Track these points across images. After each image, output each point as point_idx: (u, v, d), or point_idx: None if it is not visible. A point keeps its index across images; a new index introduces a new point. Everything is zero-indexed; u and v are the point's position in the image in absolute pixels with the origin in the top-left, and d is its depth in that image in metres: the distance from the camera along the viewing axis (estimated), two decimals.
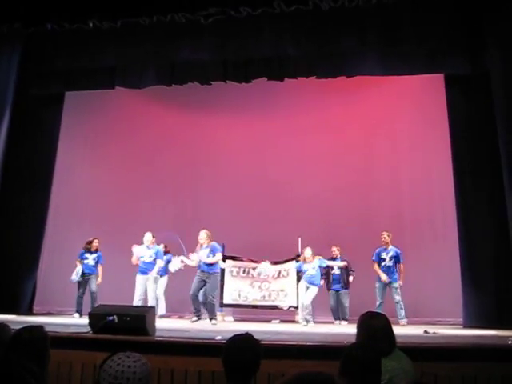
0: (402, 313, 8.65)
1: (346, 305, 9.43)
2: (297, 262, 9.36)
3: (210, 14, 8.86)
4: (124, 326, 5.26)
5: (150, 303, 8.85)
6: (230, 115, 11.52)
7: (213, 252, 8.72)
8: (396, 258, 8.95)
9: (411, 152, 10.48)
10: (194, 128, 11.47)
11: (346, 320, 9.19)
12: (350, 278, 9.54)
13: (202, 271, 8.67)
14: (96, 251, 9.73)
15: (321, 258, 9.05)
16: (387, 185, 10.56)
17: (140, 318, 5.35)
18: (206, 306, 8.61)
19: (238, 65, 9.32)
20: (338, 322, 9.31)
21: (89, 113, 11.26)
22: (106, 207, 11.07)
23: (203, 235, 8.78)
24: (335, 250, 9.61)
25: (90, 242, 9.72)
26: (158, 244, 9.53)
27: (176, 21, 8.97)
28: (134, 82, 9.75)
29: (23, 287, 9.59)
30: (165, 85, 9.63)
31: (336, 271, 9.50)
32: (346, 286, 9.53)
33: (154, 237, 9.32)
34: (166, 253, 9.68)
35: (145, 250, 9.17)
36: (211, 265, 8.70)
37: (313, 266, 8.89)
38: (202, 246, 8.76)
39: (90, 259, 9.63)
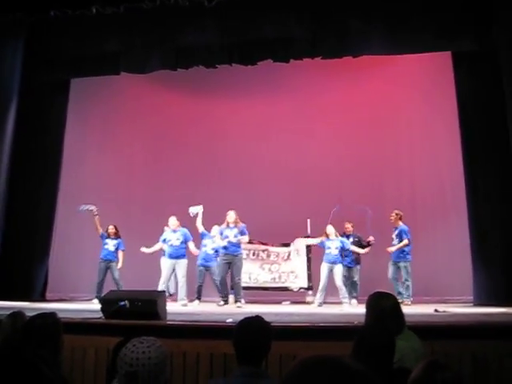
0: (408, 291, 8.66)
1: (357, 281, 9.32)
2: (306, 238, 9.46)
3: None
4: (136, 311, 5.30)
5: (181, 288, 8.80)
6: (237, 98, 11.51)
7: (242, 233, 8.59)
8: (400, 236, 8.93)
9: (421, 131, 10.42)
10: (202, 112, 11.45)
11: (355, 298, 9.13)
12: (371, 238, 9.28)
13: (227, 253, 8.52)
14: (116, 237, 9.72)
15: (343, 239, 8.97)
16: (398, 165, 10.53)
17: (151, 303, 5.39)
18: (235, 288, 8.60)
19: (242, 47, 9.25)
20: (348, 300, 9.20)
21: (95, 99, 11.25)
22: (115, 193, 11.11)
23: (233, 215, 8.64)
24: (349, 227, 9.47)
25: (106, 229, 9.74)
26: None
27: (179, 4, 8.94)
28: (138, 67, 9.70)
29: (35, 274, 9.68)
30: (170, 69, 9.59)
31: (350, 247, 9.36)
32: (358, 261, 9.45)
33: (178, 220, 9.15)
34: None
35: (171, 234, 9.10)
36: (237, 246, 8.58)
37: (336, 245, 8.69)
38: (228, 225, 8.66)
39: (110, 245, 9.60)
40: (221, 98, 11.46)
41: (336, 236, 8.83)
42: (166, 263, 9.00)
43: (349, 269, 9.28)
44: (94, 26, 9.35)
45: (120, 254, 9.64)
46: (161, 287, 8.59)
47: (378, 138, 10.66)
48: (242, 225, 8.65)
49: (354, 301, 9.02)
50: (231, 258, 8.51)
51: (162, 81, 10.95)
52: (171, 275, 9.02)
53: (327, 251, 8.76)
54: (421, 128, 10.42)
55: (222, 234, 8.69)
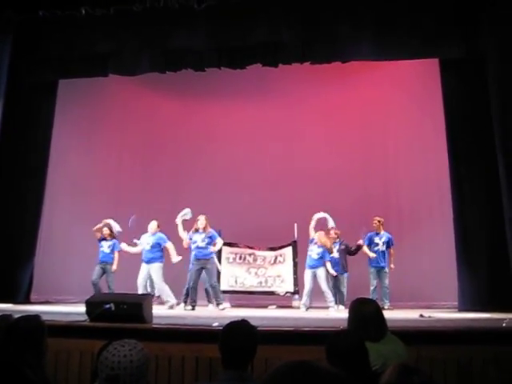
0: (387, 297, 8.84)
1: (344, 290, 9.35)
2: (294, 243, 9.49)
3: (203, 0, 8.80)
4: (121, 314, 5.28)
5: (159, 291, 8.78)
6: (226, 102, 11.51)
7: (212, 238, 8.69)
8: (388, 244, 9.05)
9: (409, 135, 10.49)
10: (190, 115, 11.46)
11: (342, 305, 9.15)
12: (360, 241, 9.34)
13: (199, 259, 8.58)
14: (111, 239, 9.67)
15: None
16: (384, 170, 10.59)
17: (137, 306, 5.37)
18: (211, 292, 8.61)
19: (231, 51, 9.24)
20: (335, 307, 9.22)
21: (84, 101, 11.21)
22: (104, 195, 11.06)
23: (204, 220, 8.71)
24: (333, 234, 9.50)
25: (104, 230, 9.65)
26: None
27: (169, 7, 8.91)
28: (127, 69, 9.65)
29: (20, 276, 9.57)
30: (159, 72, 9.56)
31: (335, 254, 9.27)
32: (345, 269, 9.46)
33: (158, 226, 9.15)
34: None
35: (146, 238, 9.09)
36: (207, 250, 8.63)
37: (317, 251, 8.75)
38: (197, 230, 8.71)
39: (105, 247, 9.55)
40: (210, 101, 11.46)
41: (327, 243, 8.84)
42: (141, 268, 9.01)
43: (335, 277, 9.25)
44: (83, 28, 9.29)
45: (115, 255, 9.56)
46: (140, 291, 8.63)
47: (367, 142, 10.73)
48: (210, 230, 8.74)
49: (342, 306, 9.05)
50: (202, 263, 8.58)
51: (151, 83, 10.92)
52: (146, 281, 9.02)
53: (309, 253, 8.84)
54: (409, 132, 10.49)
55: (190, 239, 8.76)
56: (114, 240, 9.61)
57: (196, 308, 8.48)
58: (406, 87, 10.57)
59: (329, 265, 8.88)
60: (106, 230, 9.60)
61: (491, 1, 8.18)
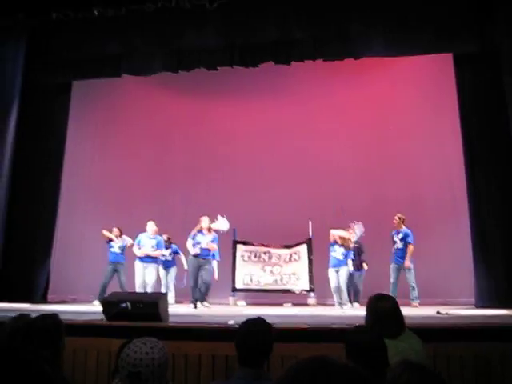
0: (414, 294, 8.68)
1: (360, 287, 9.42)
2: (309, 241, 9.51)
3: None
4: (137, 313, 5.30)
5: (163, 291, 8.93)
6: (239, 100, 11.52)
7: (214, 241, 8.93)
8: (405, 239, 8.96)
9: (423, 132, 10.39)
10: (204, 114, 11.47)
11: (358, 302, 9.17)
12: (364, 266, 9.50)
13: (199, 257, 8.80)
14: (121, 238, 9.73)
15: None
16: (399, 167, 10.49)
17: (153, 305, 5.39)
18: (202, 289, 8.72)
19: (244, 49, 9.26)
20: (349, 305, 9.23)
21: (97, 101, 11.28)
22: (118, 196, 11.11)
23: (207, 221, 8.99)
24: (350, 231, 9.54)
25: (110, 232, 9.75)
26: (161, 235, 9.64)
27: (181, 6, 8.94)
28: (140, 70, 9.73)
29: (37, 276, 9.66)
30: (171, 71, 9.61)
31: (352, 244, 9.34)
32: (359, 267, 9.50)
33: (156, 226, 9.43)
34: (170, 243, 9.79)
35: (146, 239, 9.21)
36: (209, 251, 8.89)
37: (342, 251, 8.95)
38: (201, 231, 8.92)
39: (116, 247, 9.62)
40: (223, 99, 11.48)
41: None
42: (138, 267, 9.20)
43: (351, 274, 9.30)
44: (96, 28, 9.37)
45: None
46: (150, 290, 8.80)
47: (381, 139, 10.64)
48: (213, 232, 8.97)
49: (357, 304, 9.08)
50: (202, 262, 8.80)
51: (165, 82, 10.97)
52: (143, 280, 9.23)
53: (333, 254, 8.97)
54: (423, 129, 10.40)
55: (193, 238, 8.89)
56: (124, 237, 9.67)
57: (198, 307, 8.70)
58: (419, 83, 10.49)
59: (350, 262, 9.08)
60: (116, 232, 9.67)
61: None
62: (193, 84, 10.95)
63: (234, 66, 9.35)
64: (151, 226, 9.36)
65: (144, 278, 9.17)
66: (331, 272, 8.94)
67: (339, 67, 9.76)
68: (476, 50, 8.54)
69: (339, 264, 8.91)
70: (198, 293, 8.77)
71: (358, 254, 9.49)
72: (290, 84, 10.95)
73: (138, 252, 9.28)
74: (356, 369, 1.06)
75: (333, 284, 8.88)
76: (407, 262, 8.83)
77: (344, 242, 8.96)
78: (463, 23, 8.45)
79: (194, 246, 8.91)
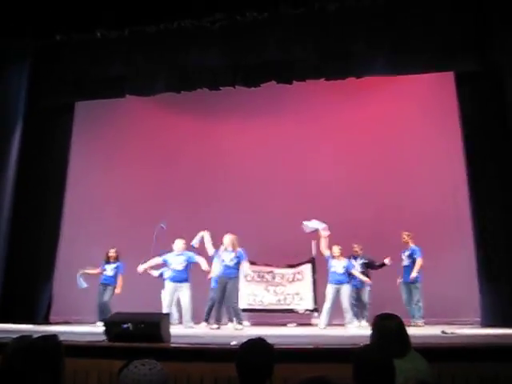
0: (419, 313, 8.61)
1: (366, 302, 9.30)
2: (313, 260, 9.44)
3: (216, 20, 8.91)
4: (139, 334, 5.27)
5: (185, 313, 8.71)
6: (241, 119, 11.55)
7: (240, 258, 8.66)
8: (411, 256, 8.91)
9: (425, 150, 10.39)
10: (206, 133, 11.51)
11: (365, 319, 9.04)
12: (386, 261, 9.26)
13: (224, 276, 8.57)
14: (116, 261, 9.69)
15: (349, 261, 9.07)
16: (402, 183, 10.47)
17: (155, 325, 5.35)
18: (232, 311, 8.55)
19: (246, 69, 9.30)
20: (356, 322, 9.11)
21: (100, 121, 11.34)
22: (119, 215, 11.10)
23: (228, 239, 8.78)
24: (356, 248, 9.49)
25: (107, 253, 9.73)
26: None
27: (183, 27, 9.02)
28: (143, 90, 9.79)
29: (39, 296, 9.63)
30: (174, 91, 9.67)
31: (358, 268, 9.25)
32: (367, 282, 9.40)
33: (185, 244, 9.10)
34: None
35: (174, 258, 9.04)
36: (234, 269, 8.62)
37: (342, 264, 8.82)
38: (225, 249, 8.75)
39: (109, 270, 9.59)
40: (225, 119, 11.53)
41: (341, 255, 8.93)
42: (168, 287, 8.88)
43: (358, 289, 9.27)
44: (99, 50, 9.46)
45: (119, 279, 9.59)
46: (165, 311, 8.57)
47: (382, 157, 10.63)
48: (239, 249, 8.72)
49: (364, 322, 8.98)
50: (227, 281, 8.54)
51: (167, 102, 11.04)
52: (173, 300, 8.99)
53: (332, 270, 8.83)
54: (424, 146, 10.40)
55: (219, 257, 8.81)
56: (119, 263, 9.64)
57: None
58: (421, 101, 10.51)
59: (356, 272, 8.98)
60: (112, 253, 9.65)
61: (507, 13, 8.12)
62: (196, 104, 11.00)
63: (235, 86, 9.40)
64: (179, 244, 8.98)
65: (175, 300, 8.94)
66: (330, 289, 8.72)
67: (341, 86, 9.77)
68: (477, 69, 8.56)
69: (340, 281, 8.73)
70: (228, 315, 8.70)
71: (365, 268, 9.39)
72: (292, 103, 10.98)
73: (166, 273, 9.05)
74: None
75: (328, 304, 8.64)
76: (414, 273, 8.76)
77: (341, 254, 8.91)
78: (464, 42, 8.46)
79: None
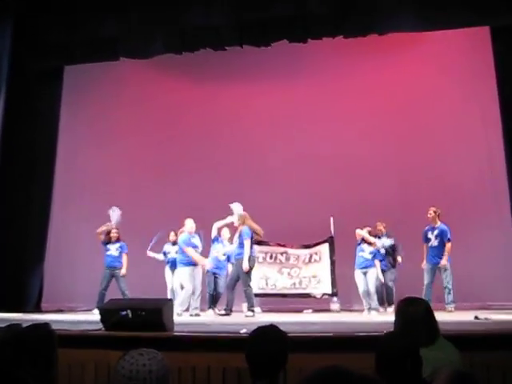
0: (450, 298, 8.61)
1: (391, 285, 9.41)
2: (331, 240, 9.50)
3: None
4: (139, 322, 5.29)
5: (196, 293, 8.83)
6: (250, 83, 11.49)
7: (241, 237, 8.69)
8: (441, 236, 8.88)
9: (457, 117, 10.28)
10: (212, 100, 11.45)
11: (391, 303, 9.12)
12: (399, 259, 9.47)
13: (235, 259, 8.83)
14: (118, 241, 9.83)
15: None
16: (430, 157, 10.40)
17: (156, 312, 5.39)
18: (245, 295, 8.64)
19: (254, 27, 9.18)
20: (381, 308, 9.20)
21: (92, 88, 11.31)
22: (116, 193, 11.11)
23: (237, 218, 8.93)
24: (380, 226, 9.56)
25: (108, 233, 9.82)
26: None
27: None
28: (139, 52, 9.70)
29: (29, 283, 9.72)
30: (174, 53, 9.58)
31: (381, 249, 9.37)
32: (393, 264, 9.51)
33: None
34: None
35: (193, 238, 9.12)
36: (239, 251, 8.71)
37: (370, 250, 9.04)
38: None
39: (113, 250, 9.70)
40: (232, 84, 11.46)
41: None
42: (189, 271, 8.90)
43: (383, 272, 9.30)
44: (90, 8, 9.37)
45: (124, 258, 9.74)
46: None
47: (408, 125, 10.55)
48: (243, 227, 8.73)
49: (389, 308, 9.06)
50: (236, 263, 8.75)
51: (166, 66, 10.97)
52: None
53: (360, 254, 9.01)
54: (455, 114, 10.29)
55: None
56: (121, 242, 9.73)
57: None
58: (450, 63, 10.36)
59: (378, 265, 9.11)
60: (115, 233, 9.73)
61: None
62: (198, 67, 10.93)
63: (243, 46, 9.30)
64: (190, 224, 9.06)
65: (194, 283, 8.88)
66: (358, 274, 8.98)
67: (362, 45, 9.66)
68: None
69: (367, 265, 8.96)
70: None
71: (391, 251, 9.48)
72: (306, 65, 10.90)
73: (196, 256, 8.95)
74: (375, 381, 1.04)
75: (361, 288, 8.91)
76: (444, 261, 8.75)
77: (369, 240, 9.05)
78: None
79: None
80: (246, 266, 8.44)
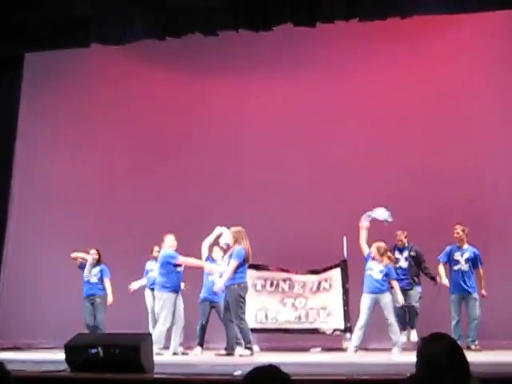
0: (475, 333, 8.69)
1: (417, 305, 9.35)
2: (344, 264, 9.48)
3: None
4: (112, 361, 5.29)
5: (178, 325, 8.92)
6: (247, 76, 11.49)
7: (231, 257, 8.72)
8: (474, 261, 8.95)
9: (495, 121, 10.33)
10: (201, 95, 11.49)
11: (413, 328, 9.17)
12: (439, 279, 9.29)
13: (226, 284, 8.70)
14: (98, 264, 9.88)
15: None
16: (462, 165, 10.43)
17: (133, 350, 5.37)
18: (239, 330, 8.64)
19: (253, 8, 9.23)
20: (405, 332, 9.21)
21: (59, 80, 11.35)
22: (89, 205, 11.15)
23: (228, 235, 8.93)
24: (401, 236, 9.56)
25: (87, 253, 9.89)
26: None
27: None
28: (115, 37, 9.70)
29: None
30: (157, 38, 9.60)
31: (403, 264, 9.39)
32: (417, 281, 9.47)
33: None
34: None
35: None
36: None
37: (380, 268, 8.85)
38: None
39: (92, 276, 9.75)
40: (226, 75, 11.47)
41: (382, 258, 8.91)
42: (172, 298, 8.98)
43: (405, 291, 9.28)
44: None
45: (107, 284, 9.79)
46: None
47: (437, 128, 10.56)
48: (237, 246, 8.73)
49: (414, 332, 9.11)
50: (225, 292, 8.69)
51: (148, 55, 11.01)
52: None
53: (368, 273, 8.88)
54: (496, 112, 10.33)
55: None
56: (102, 265, 9.76)
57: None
58: (488, 51, 10.43)
59: (397, 286, 8.96)
60: (94, 254, 9.78)
61: None
62: (185, 55, 10.99)
63: (239, 30, 9.33)
64: (171, 240, 9.14)
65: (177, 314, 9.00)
66: (365, 300, 8.80)
67: (381, 30, 9.72)
68: None
69: (379, 289, 8.77)
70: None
71: (416, 263, 9.47)
72: (316, 54, 10.93)
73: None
74: None
75: (362, 320, 8.71)
76: (484, 291, 8.80)
77: (383, 255, 8.91)
78: None
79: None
80: (219, 284, 8.56)
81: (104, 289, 9.78)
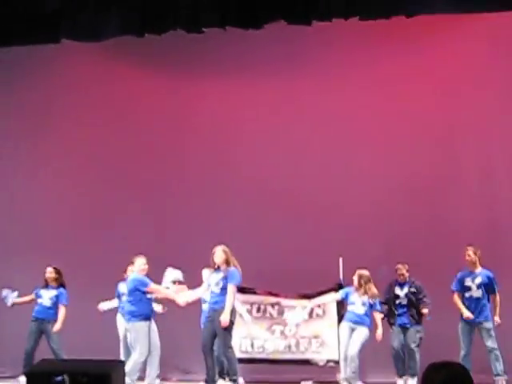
0: (499, 366, 8.62)
1: (415, 348, 9.25)
2: (340, 288, 9.48)
3: None
4: None
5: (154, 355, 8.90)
6: (235, 79, 11.53)
7: (226, 280, 8.68)
8: (487, 286, 8.93)
9: (504, 122, 10.40)
10: (186, 98, 11.52)
11: (414, 376, 9.08)
12: (425, 311, 9.37)
13: (209, 309, 8.76)
14: (57, 286, 9.83)
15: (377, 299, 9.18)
16: (470, 179, 10.49)
17: (103, 379, 5.34)
18: (223, 360, 8.67)
19: (242, 3, 9.27)
20: (402, 380, 9.18)
21: (24, 81, 11.33)
22: (54, 218, 11.14)
23: (221, 254, 8.81)
24: (402, 271, 9.51)
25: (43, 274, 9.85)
26: None
27: None
28: (88, 33, 9.71)
29: None
30: (134, 35, 9.61)
31: (402, 300, 9.39)
32: (418, 320, 9.42)
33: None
34: None
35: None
36: (220, 296, 8.65)
37: (363, 300, 8.99)
38: (214, 268, 8.86)
39: (46, 298, 9.70)
40: (212, 78, 11.47)
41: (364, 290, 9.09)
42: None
43: (404, 330, 9.31)
44: None
45: (61, 311, 9.71)
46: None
47: (444, 135, 10.60)
48: (231, 268, 8.72)
49: (412, 380, 9.05)
50: (212, 316, 8.65)
51: (125, 54, 11.07)
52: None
53: (350, 308, 9.11)
54: (504, 117, 10.40)
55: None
56: (61, 288, 9.70)
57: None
58: (497, 52, 10.51)
59: (379, 319, 9.16)
60: (50, 273, 9.74)
61: None
62: (167, 55, 11.03)
63: (227, 28, 9.36)
64: (141, 263, 9.01)
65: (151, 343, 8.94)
66: (344, 328, 9.05)
67: (380, 30, 9.78)
68: None
69: (358, 321, 9.01)
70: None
71: (415, 302, 9.44)
72: (308, 55, 10.98)
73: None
74: None
75: (343, 348, 8.95)
76: (498, 318, 8.78)
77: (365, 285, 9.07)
78: None
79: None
80: (226, 317, 8.43)
81: (56, 315, 9.68)
